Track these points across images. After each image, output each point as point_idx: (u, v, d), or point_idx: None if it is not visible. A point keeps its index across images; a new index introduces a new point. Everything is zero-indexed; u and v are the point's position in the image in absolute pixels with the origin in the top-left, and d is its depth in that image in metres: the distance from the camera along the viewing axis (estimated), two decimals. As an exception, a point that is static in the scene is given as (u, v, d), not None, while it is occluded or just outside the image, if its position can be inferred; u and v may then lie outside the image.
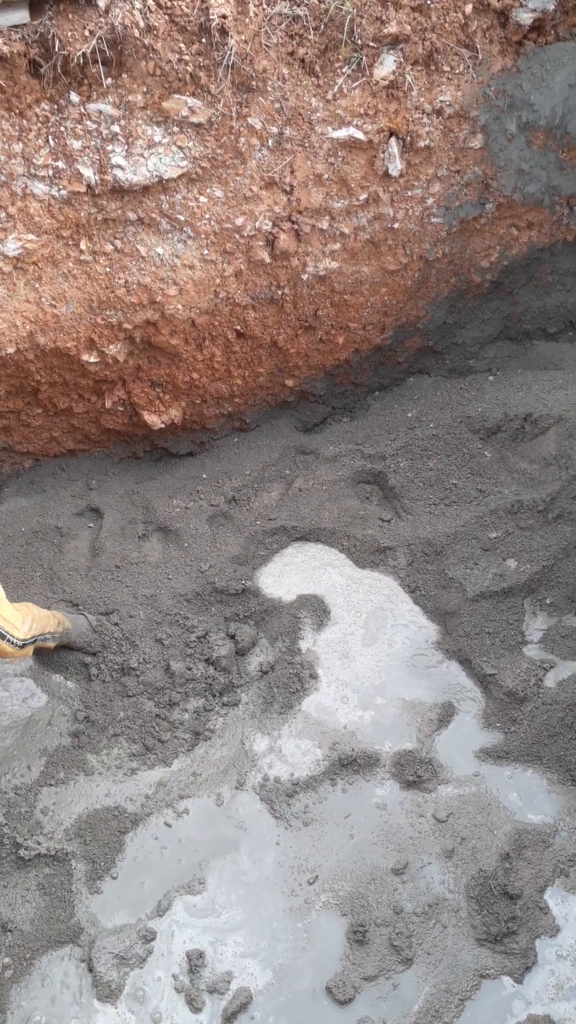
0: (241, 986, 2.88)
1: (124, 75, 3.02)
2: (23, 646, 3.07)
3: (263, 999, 2.87)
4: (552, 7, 3.44)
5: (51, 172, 3.11)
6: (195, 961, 2.93)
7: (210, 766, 3.38)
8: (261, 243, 3.58)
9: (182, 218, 3.40)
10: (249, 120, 3.27)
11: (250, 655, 3.66)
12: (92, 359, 3.66)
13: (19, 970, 2.92)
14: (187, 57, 3.05)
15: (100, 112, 3.06)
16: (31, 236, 3.21)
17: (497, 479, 4.09)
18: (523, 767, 3.36)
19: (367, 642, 3.71)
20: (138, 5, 2.91)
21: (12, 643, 2.99)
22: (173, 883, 3.10)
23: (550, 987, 2.88)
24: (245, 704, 3.55)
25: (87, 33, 2.87)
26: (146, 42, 2.97)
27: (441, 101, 3.53)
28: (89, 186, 3.17)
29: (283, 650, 3.67)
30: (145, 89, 3.07)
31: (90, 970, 2.90)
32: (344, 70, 3.31)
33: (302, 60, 3.25)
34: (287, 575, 3.90)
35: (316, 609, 3.78)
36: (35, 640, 3.19)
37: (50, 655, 3.59)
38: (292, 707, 3.51)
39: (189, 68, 3.07)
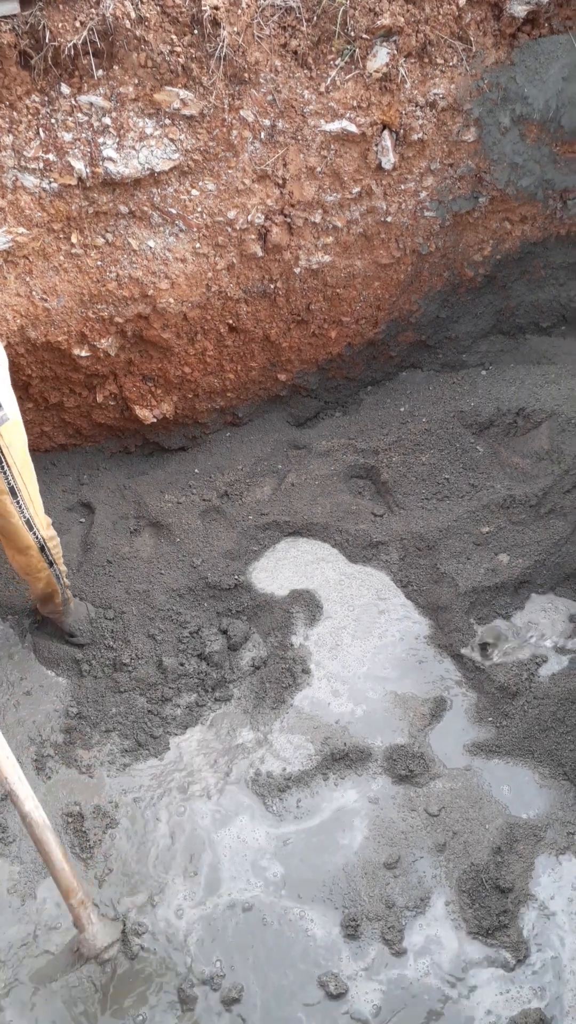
0: (233, 980, 2.89)
1: (115, 67, 3.00)
2: (42, 548, 3.17)
3: (254, 993, 2.87)
4: (546, 0, 3.42)
5: (42, 165, 3.08)
6: (189, 955, 2.94)
7: (202, 761, 3.38)
8: (253, 236, 3.57)
9: (174, 211, 3.38)
10: (241, 113, 3.26)
11: (242, 650, 3.66)
12: (83, 353, 3.64)
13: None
14: (179, 49, 3.03)
15: (91, 104, 3.04)
16: (21, 229, 3.19)
17: (490, 474, 4.10)
18: (515, 761, 3.37)
19: (359, 637, 3.71)
20: (129, -4, 2.88)
21: (36, 535, 3.11)
22: (167, 875, 3.10)
23: (542, 980, 2.89)
24: (237, 699, 3.55)
25: (78, 24, 2.84)
26: (137, 33, 2.94)
27: (435, 94, 3.52)
28: (80, 179, 3.15)
29: (275, 645, 3.67)
30: (136, 81, 3.05)
31: None
32: (337, 62, 3.30)
33: (295, 52, 3.24)
34: (279, 570, 3.90)
35: (308, 604, 3.78)
36: (52, 561, 3.26)
37: (44, 645, 3.59)
38: (284, 702, 3.52)
39: (181, 60, 3.05)
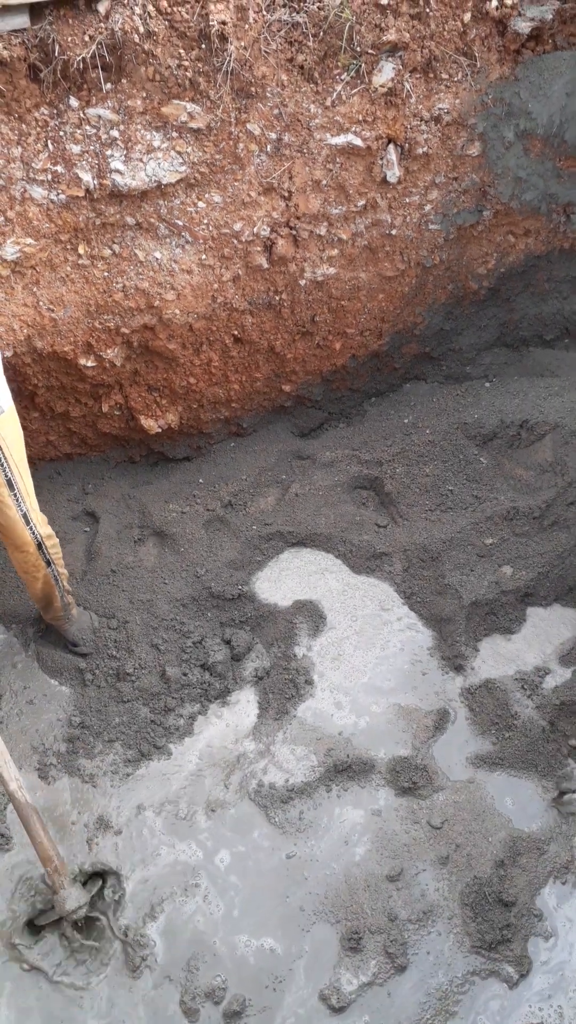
0: (235, 993, 2.87)
1: (124, 80, 3.02)
2: (39, 546, 3.19)
3: (256, 1006, 2.85)
4: (550, 16, 3.46)
5: (50, 176, 3.10)
6: (191, 967, 2.92)
7: (205, 771, 3.37)
8: (259, 248, 3.59)
9: (180, 223, 3.40)
10: (248, 126, 3.28)
11: (246, 660, 3.66)
12: (89, 363, 3.65)
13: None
14: (187, 63, 3.05)
15: (99, 117, 3.06)
16: (29, 240, 3.21)
17: (493, 485, 4.10)
18: (518, 774, 3.35)
19: (362, 648, 3.71)
20: (138, 11, 2.91)
21: (33, 532, 3.12)
22: (167, 887, 3.09)
23: (544, 995, 2.87)
24: (240, 710, 3.54)
25: (87, 38, 2.87)
26: (146, 48, 2.97)
27: (439, 108, 3.55)
28: (88, 191, 3.17)
29: (278, 656, 3.66)
30: (144, 94, 3.07)
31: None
32: (343, 77, 3.32)
33: (301, 67, 3.26)
34: (283, 580, 3.90)
35: (312, 615, 3.78)
36: (49, 560, 3.27)
37: (47, 654, 3.59)
38: (287, 713, 3.51)
39: (188, 74, 3.08)
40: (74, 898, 2.93)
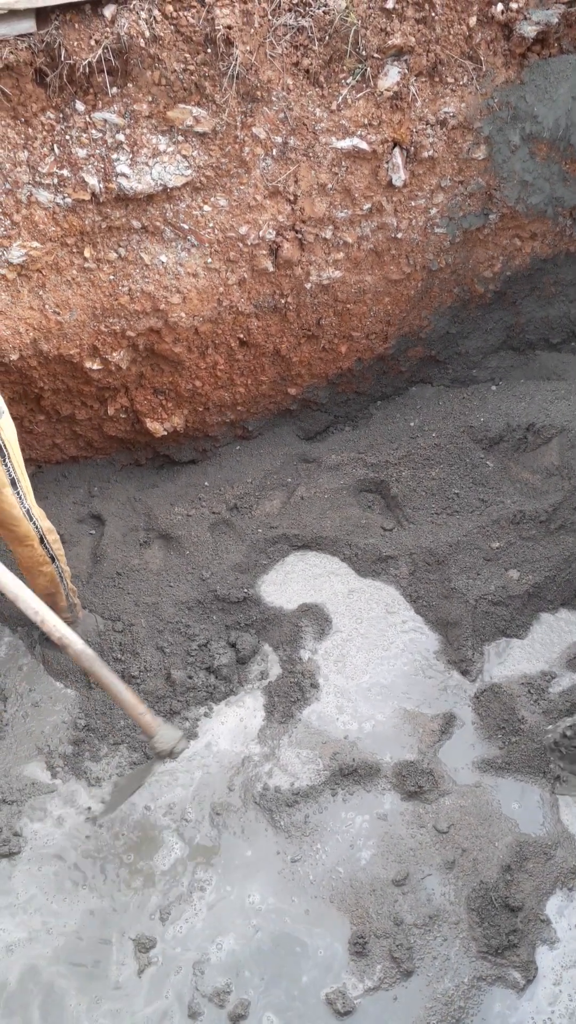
0: (240, 997, 2.86)
1: (129, 84, 3.03)
2: (42, 540, 3.25)
3: (261, 1010, 2.84)
4: (556, 20, 3.46)
5: (56, 180, 3.12)
6: (197, 970, 2.92)
7: (210, 774, 3.36)
8: (265, 252, 3.60)
9: (186, 227, 3.41)
10: (253, 130, 3.29)
11: (251, 664, 3.65)
12: (95, 366, 3.66)
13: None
14: (192, 67, 3.07)
15: (105, 121, 3.08)
16: (35, 244, 3.22)
17: (499, 489, 4.09)
18: (525, 778, 3.34)
19: (368, 651, 3.70)
20: (144, 15, 2.92)
21: (35, 526, 3.19)
22: (174, 889, 3.08)
23: (551, 1001, 2.85)
24: (245, 713, 3.53)
25: (93, 43, 2.89)
26: (152, 52, 2.98)
27: (445, 112, 3.55)
28: (94, 194, 3.19)
29: (284, 659, 3.66)
30: (150, 98, 3.09)
31: None
32: (348, 81, 3.33)
33: (307, 70, 3.27)
34: (289, 583, 3.89)
35: (317, 618, 3.77)
36: (53, 556, 3.32)
37: (53, 656, 3.59)
38: (293, 716, 3.50)
39: (194, 78, 3.09)
40: (170, 735, 3.17)
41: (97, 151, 3.11)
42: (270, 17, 3.12)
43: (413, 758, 3.38)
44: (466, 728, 3.50)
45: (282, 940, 2.98)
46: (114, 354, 3.65)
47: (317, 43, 3.22)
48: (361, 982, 2.88)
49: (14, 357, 3.43)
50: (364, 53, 3.29)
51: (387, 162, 3.57)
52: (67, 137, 3.05)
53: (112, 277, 3.42)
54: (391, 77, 3.38)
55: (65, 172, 3.11)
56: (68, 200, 3.17)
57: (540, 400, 4.29)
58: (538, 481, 4.14)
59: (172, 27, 2.98)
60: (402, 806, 3.26)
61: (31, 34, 2.79)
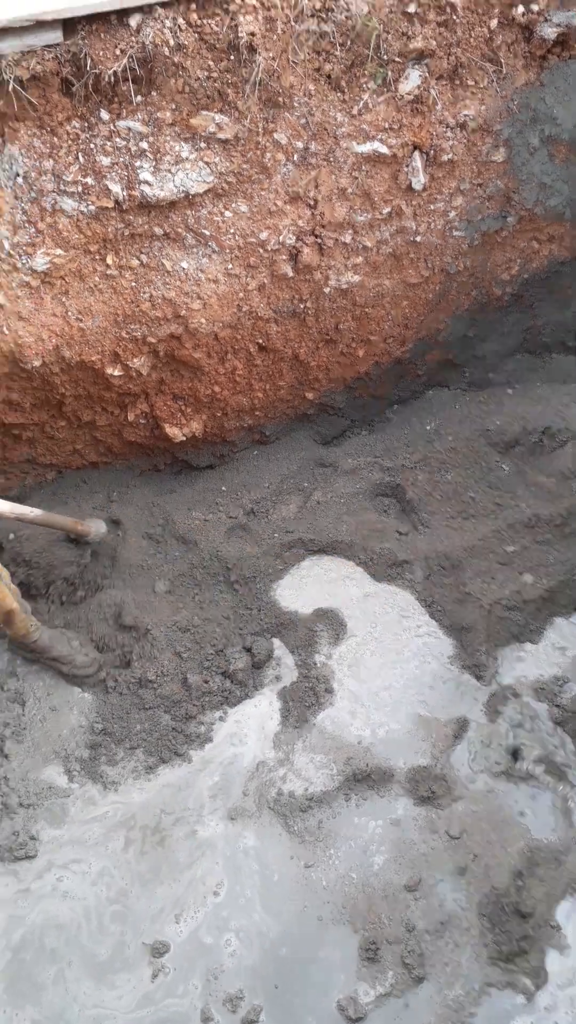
0: (252, 1002, 2.90)
1: (153, 92, 3.02)
2: None
3: (274, 1015, 2.89)
4: (577, 24, 3.43)
5: (80, 188, 3.12)
6: (210, 975, 2.96)
7: (226, 779, 3.40)
8: (284, 257, 3.59)
9: (207, 233, 3.40)
10: (275, 136, 3.28)
11: (266, 668, 3.68)
12: (116, 372, 3.67)
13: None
14: (215, 74, 3.05)
15: (129, 129, 3.07)
16: (59, 251, 3.22)
17: (515, 493, 4.09)
18: (537, 783, 3.36)
19: (383, 656, 3.72)
20: (168, 24, 2.91)
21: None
22: (188, 893, 3.13)
23: (561, 1007, 2.89)
24: (260, 717, 3.56)
25: (118, 52, 2.87)
26: (176, 60, 2.97)
27: (465, 115, 3.53)
28: (117, 202, 3.18)
29: (299, 663, 3.68)
30: (174, 106, 3.08)
31: None
32: (370, 85, 3.31)
33: (328, 76, 3.25)
34: (304, 588, 3.91)
35: (332, 622, 3.79)
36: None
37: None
38: (307, 721, 3.53)
39: (217, 85, 3.08)
40: (98, 526, 3.72)
41: (121, 159, 3.10)
42: (293, 23, 3.09)
43: (426, 763, 3.40)
44: (479, 733, 3.52)
45: (295, 946, 3.02)
46: (135, 360, 3.66)
47: (339, 48, 3.20)
48: (373, 988, 2.92)
49: (37, 363, 3.44)
50: (385, 57, 3.27)
51: (407, 166, 3.55)
52: (92, 145, 3.05)
53: (134, 284, 3.43)
54: (412, 81, 3.36)
55: (89, 180, 3.11)
56: (92, 208, 3.17)
57: (556, 403, 4.29)
58: (553, 485, 4.15)
59: (196, 35, 2.96)
60: (415, 811, 3.30)
61: (58, 44, 2.78)
